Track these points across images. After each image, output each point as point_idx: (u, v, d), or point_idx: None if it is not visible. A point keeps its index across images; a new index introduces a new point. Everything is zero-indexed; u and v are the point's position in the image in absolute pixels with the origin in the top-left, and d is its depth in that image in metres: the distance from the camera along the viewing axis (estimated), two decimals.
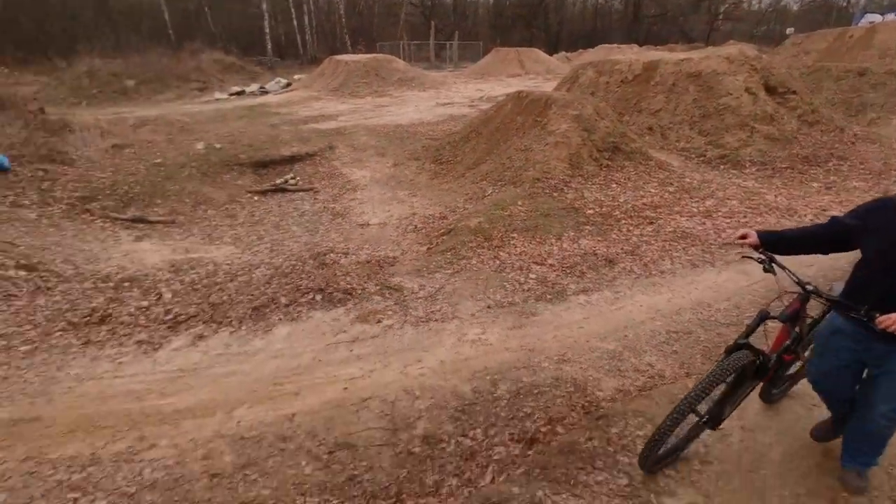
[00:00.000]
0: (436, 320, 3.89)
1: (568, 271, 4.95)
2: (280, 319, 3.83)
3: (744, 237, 2.24)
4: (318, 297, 4.14)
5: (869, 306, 1.87)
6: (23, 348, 3.24)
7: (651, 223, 6.12)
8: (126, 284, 4.64)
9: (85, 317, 3.69)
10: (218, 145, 9.93)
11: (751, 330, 2.19)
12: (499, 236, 5.73)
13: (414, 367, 3.27)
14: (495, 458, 2.48)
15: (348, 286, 4.39)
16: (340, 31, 38.49)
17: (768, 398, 2.85)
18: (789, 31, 35.22)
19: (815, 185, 7.46)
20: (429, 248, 5.81)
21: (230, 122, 13.18)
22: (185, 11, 36.63)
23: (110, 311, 3.82)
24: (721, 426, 2.30)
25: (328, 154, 10.17)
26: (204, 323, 3.76)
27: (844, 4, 42.19)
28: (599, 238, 5.70)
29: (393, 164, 9.61)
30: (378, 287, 4.42)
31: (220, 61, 23.32)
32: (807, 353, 2.56)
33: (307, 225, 7.11)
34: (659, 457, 2.24)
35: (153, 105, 17.12)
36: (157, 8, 35.28)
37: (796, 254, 2.23)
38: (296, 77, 22.89)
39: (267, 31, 31.49)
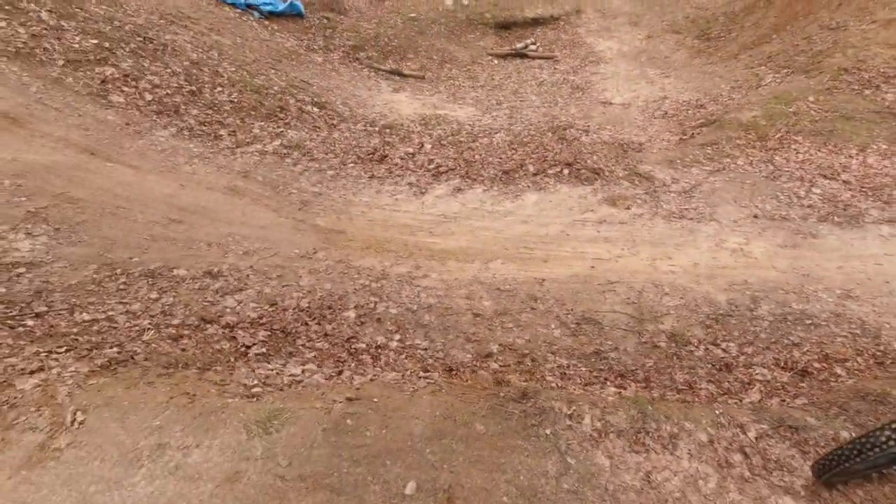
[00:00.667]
0: (690, 219, 3.57)
1: (870, 192, 3.97)
2: (528, 186, 3.94)
3: None
4: (566, 171, 4.09)
5: None
6: (329, 172, 3.96)
7: None
8: (387, 130, 5.21)
9: (369, 153, 4.30)
10: (465, 2, 9.86)
11: None
12: (777, 136, 4.78)
13: (664, 263, 3.12)
14: (758, 377, 2.31)
15: (595, 165, 4.23)
16: None
17: None
18: None
19: None
20: (681, 139, 5.17)
21: None
22: None
23: (386, 152, 4.36)
24: None
25: (573, 19, 9.35)
26: (460, 177, 4.07)
27: None
28: None
29: (647, 35, 8.43)
30: (626, 172, 4.17)
31: None
32: None
33: (545, 95, 6.90)
34: (845, 469, 1.58)
35: None
36: None
37: None
38: None
39: None
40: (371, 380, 2.09)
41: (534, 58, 8.22)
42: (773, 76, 6.10)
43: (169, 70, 4.50)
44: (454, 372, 2.27)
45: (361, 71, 7.33)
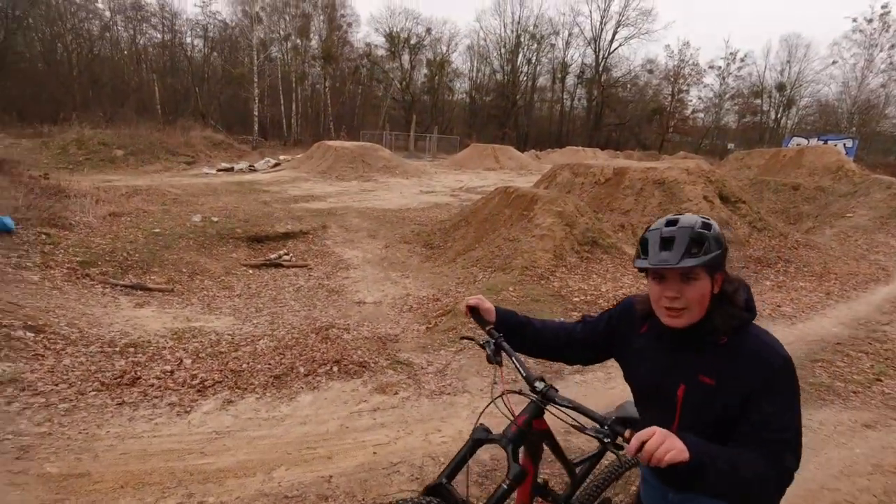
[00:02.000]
0: (448, 394, 4.18)
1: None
2: (302, 388, 4.04)
3: (473, 308, 1.71)
4: (335, 368, 4.38)
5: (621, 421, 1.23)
6: (62, 406, 3.33)
7: None
8: (131, 350, 4.75)
9: (116, 378, 3.81)
10: (214, 218, 10.28)
11: (457, 463, 1.47)
12: None
13: (435, 436, 3.53)
14: None
15: (361, 359, 4.65)
16: (325, 118, 40.66)
17: None
18: (731, 146, 39.68)
19: (767, 283, 8.34)
20: (428, 328, 6.15)
21: (222, 197, 13.61)
22: (175, 89, 38.24)
23: (138, 373, 3.95)
24: None
25: (320, 233, 10.63)
26: (229, 388, 3.92)
27: (774, 126, 48.06)
28: None
29: (384, 245, 10.12)
30: (389, 361, 4.70)
31: (210, 138, 24.20)
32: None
33: (304, 300, 7.37)
34: None
35: (141, 175, 17.46)
36: (146, 85, 36.70)
37: (535, 354, 1.75)
38: (281, 157, 23.86)
39: (255, 113, 33.01)
40: None
41: (289, 266, 8.84)
42: (483, 274, 8.00)
43: None
44: None
45: (93, 288, 6.64)
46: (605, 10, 50.43)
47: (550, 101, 55.58)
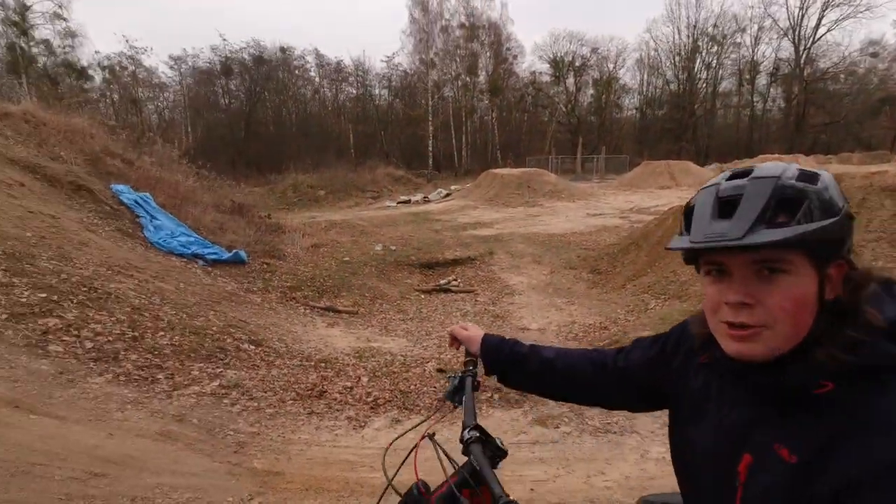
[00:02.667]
0: (614, 432, 3.87)
1: None
2: None
3: (455, 339, 1.38)
4: (496, 396, 4.40)
5: None
6: (268, 411, 3.98)
7: None
8: (322, 365, 5.43)
9: (308, 390, 4.41)
10: (392, 247, 11.35)
11: None
12: None
13: (598, 479, 3.28)
14: None
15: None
16: (492, 147, 42.32)
17: None
18: None
19: None
20: None
21: (400, 227, 15.01)
22: (365, 134, 43.81)
23: (325, 387, 4.51)
24: None
25: (487, 259, 10.95)
26: (398, 408, 4.22)
27: None
28: None
29: (549, 271, 9.98)
30: None
31: (391, 174, 27.07)
32: None
33: None
34: None
35: (337, 210, 20.29)
36: (344, 133, 42.76)
37: (551, 393, 1.30)
38: (452, 187, 25.43)
39: (430, 148, 35.97)
40: None
41: (456, 292, 9.26)
42: (656, 301, 7.32)
43: (113, 318, 4.66)
44: None
45: (297, 309, 7.83)
46: None
47: (737, 106, 49.05)
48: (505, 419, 4.07)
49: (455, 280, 9.84)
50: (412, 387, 4.70)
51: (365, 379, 4.88)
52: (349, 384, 4.67)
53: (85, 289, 5.23)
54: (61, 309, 4.50)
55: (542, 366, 1.24)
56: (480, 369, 1.32)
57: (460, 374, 1.31)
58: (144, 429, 3.43)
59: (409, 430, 1.42)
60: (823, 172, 0.76)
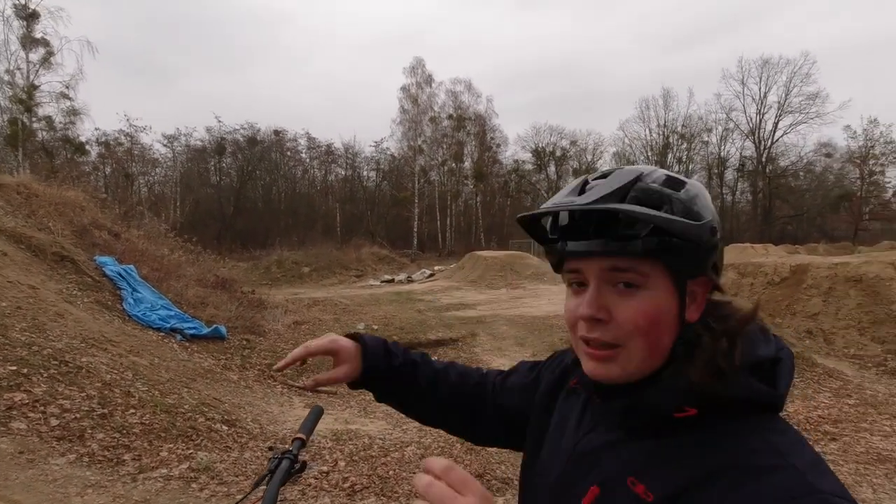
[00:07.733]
0: None
1: None
2: None
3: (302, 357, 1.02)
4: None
5: None
6: (238, 497, 3.78)
7: (834, 440, 5.44)
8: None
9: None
10: (375, 326, 11.28)
11: None
12: None
13: None
14: None
15: (504, 475, 4.47)
16: (476, 229, 43.48)
17: None
18: None
19: None
20: None
21: (383, 306, 14.98)
22: (352, 213, 44.86)
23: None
24: None
25: (470, 341, 10.91)
26: (375, 495, 4.05)
27: None
28: None
29: (532, 354, 9.94)
30: None
31: (376, 253, 27.41)
32: None
33: None
34: None
35: (321, 287, 20.25)
36: (332, 212, 43.75)
37: (430, 416, 1.15)
38: (435, 268, 25.74)
39: (415, 229, 36.82)
40: None
41: None
42: None
43: (83, 393, 4.50)
44: None
45: (275, 388, 7.61)
46: (760, 102, 47.36)
47: None
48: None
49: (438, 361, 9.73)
50: (391, 472, 4.53)
51: (342, 463, 4.70)
52: (325, 469, 4.48)
53: (56, 362, 5.08)
54: (30, 383, 4.35)
55: (435, 375, 1.10)
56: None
57: (279, 456, 1.05)
58: None
59: None
60: (695, 182, 0.71)
